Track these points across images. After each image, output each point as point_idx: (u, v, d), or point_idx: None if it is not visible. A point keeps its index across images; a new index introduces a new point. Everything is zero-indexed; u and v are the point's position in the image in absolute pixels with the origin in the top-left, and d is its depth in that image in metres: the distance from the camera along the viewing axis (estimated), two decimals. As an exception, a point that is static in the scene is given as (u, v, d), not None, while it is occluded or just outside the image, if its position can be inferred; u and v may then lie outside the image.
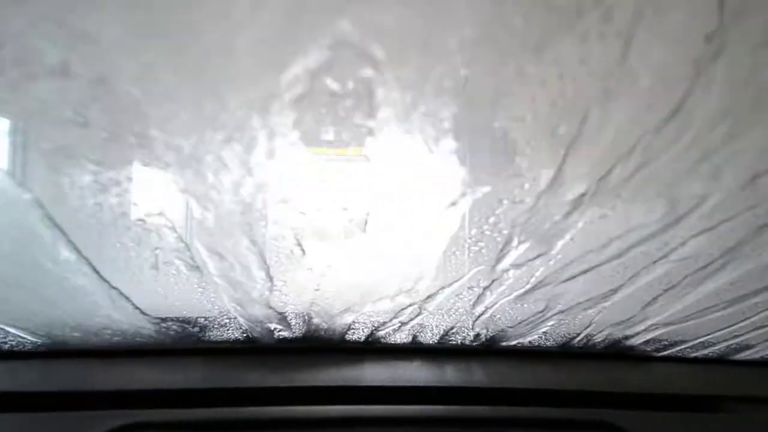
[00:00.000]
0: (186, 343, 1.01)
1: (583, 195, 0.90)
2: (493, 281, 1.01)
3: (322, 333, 1.03)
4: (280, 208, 0.91)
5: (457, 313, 1.06)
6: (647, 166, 0.87)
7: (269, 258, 0.92)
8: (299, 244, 0.95)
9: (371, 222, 0.93)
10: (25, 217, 0.86)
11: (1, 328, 0.95)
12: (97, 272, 0.91)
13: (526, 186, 0.94)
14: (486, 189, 0.91)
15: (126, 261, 0.96)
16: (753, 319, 1.01)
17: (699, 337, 1.04)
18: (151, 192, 0.91)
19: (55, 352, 0.98)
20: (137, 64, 0.75)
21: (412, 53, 0.77)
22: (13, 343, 0.96)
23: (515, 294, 1.02)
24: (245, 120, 0.78)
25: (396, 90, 0.78)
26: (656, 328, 1.04)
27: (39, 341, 0.97)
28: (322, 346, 1.04)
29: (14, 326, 0.95)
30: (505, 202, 0.95)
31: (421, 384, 0.93)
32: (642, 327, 1.04)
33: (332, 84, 0.78)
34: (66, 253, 0.88)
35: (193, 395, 0.87)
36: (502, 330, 1.06)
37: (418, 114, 0.81)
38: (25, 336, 0.96)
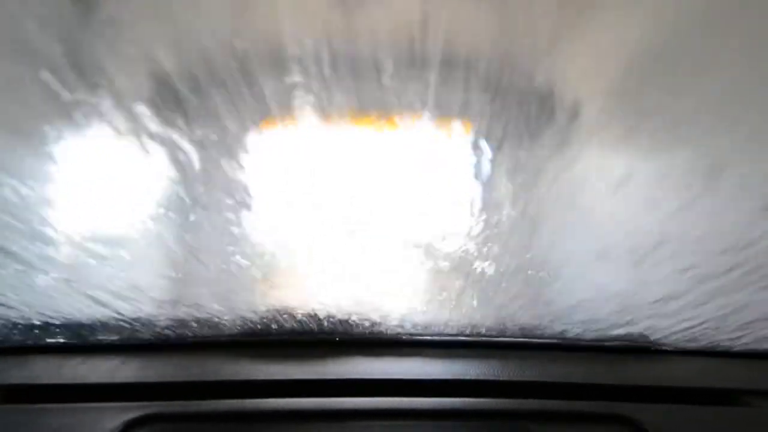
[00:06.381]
0: (198, 337, 1.02)
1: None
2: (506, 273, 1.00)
3: (332, 325, 1.03)
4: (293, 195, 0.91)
5: (472, 306, 1.05)
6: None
7: (278, 247, 0.92)
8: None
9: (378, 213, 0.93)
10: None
11: (21, 323, 0.96)
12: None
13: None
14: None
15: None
16: None
17: (715, 330, 1.03)
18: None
19: (70, 346, 0.99)
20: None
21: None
22: (30, 337, 0.97)
23: (530, 287, 1.01)
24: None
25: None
26: (672, 321, 1.03)
27: (55, 336, 0.98)
28: (334, 339, 1.04)
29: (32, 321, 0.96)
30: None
31: (433, 377, 0.93)
32: (657, 321, 1.03)
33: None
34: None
35: (208, 387, 0.87)
36: (518, 323, 1.05)
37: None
38: (41, 331, 0.97)
